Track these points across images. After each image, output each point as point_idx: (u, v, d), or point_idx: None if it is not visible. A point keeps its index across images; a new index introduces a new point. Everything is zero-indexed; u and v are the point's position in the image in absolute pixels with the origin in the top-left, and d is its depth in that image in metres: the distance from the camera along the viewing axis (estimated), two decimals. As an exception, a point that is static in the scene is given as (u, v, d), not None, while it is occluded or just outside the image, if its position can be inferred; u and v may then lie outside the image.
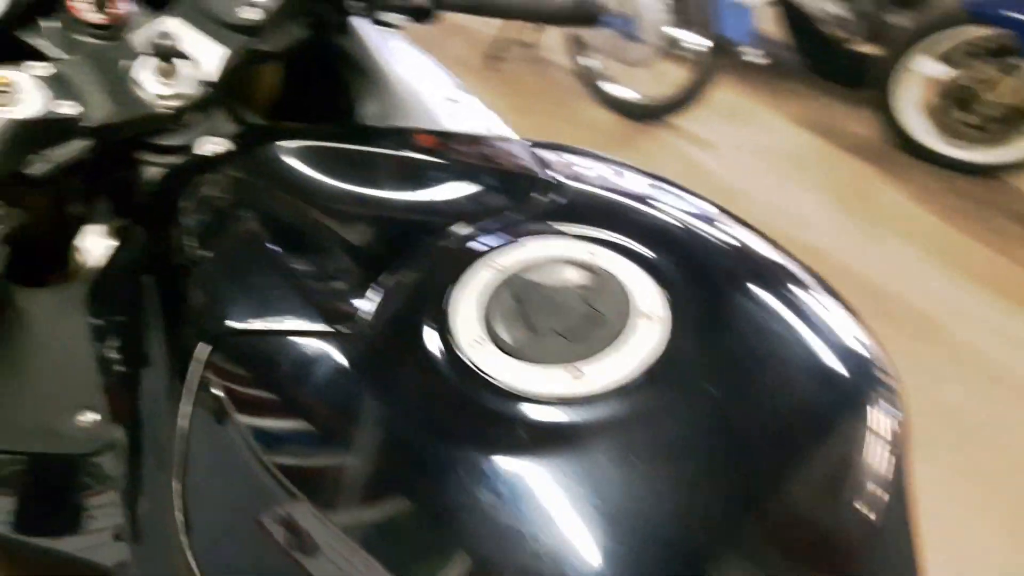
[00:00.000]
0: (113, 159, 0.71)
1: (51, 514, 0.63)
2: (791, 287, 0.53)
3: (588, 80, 3.50)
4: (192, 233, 0.61)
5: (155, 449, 0.55)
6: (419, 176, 0.64)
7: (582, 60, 3.48)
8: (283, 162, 0.65)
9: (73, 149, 0.63)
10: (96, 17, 0.66)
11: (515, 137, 0.89)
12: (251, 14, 0.70)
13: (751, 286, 0.52)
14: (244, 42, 0.70)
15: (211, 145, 0.69)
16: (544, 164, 0.63)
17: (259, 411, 0.49)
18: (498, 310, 0.49)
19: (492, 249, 0.53)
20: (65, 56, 0.66)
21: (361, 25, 0.86)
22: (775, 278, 0.54)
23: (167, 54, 0.65)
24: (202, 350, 0.51)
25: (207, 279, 0.56)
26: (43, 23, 0.68)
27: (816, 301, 0.53)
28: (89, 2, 0.66)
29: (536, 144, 0.69)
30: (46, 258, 0.78)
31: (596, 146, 0.69)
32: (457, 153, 0.68)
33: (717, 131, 3.38)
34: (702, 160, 3.24)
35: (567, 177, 0.61)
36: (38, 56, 0.66)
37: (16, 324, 0.64)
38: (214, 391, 0.50)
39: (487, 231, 0.55)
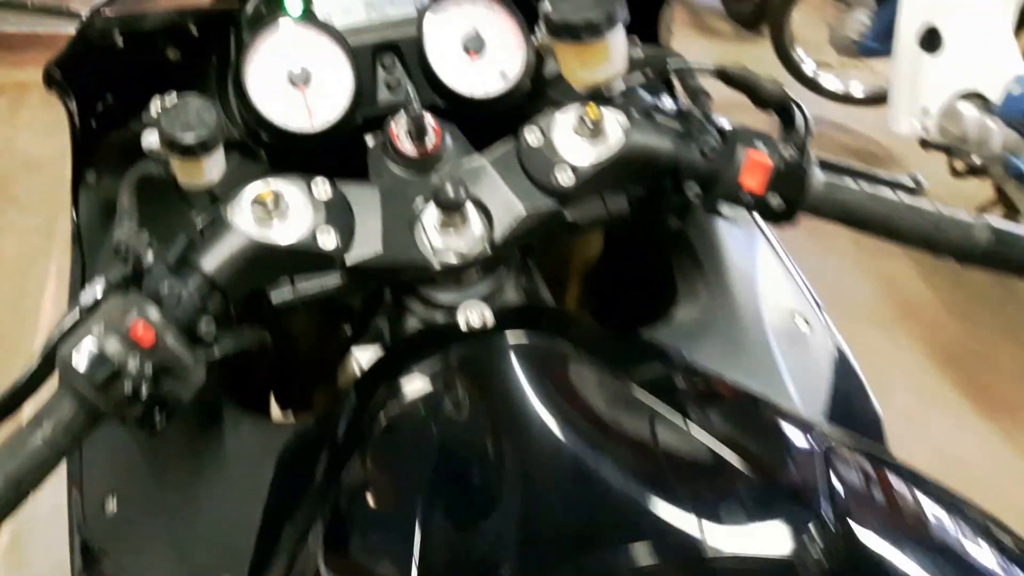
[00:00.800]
0: (381, 296, 0.66)
1: None
2: None
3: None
4: (385, 423, 0.51)
5: None
6: (656, 448, 0.46)
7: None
8: (513, 372, 0.52)
9: (323, 283, 0.58)
10: (408, 148, 0.62)
11: (868, 393, 0.67)
12: (564, 179, 0.60)
13: None
14: (547, 206, 0.60)
15: (472, 315, 0.59)
16: (831, 482, 0.41)
17: None
18: None
19: None
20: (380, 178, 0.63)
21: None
22: None
23: (458, 204, 0.57)
24: None
25: (347, 496, 0.46)
26: (368, 138, 0.65)
27: None
28: (407, 131, 0.62)
29: (846, 447, 0.47)
30: (311, 379, 0.75)
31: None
32: (725, 428, 0.47)
33: None
34: None
35: (854, 513, 0.39)
36: (350, 172, 0.62)
37: (216, 451, 0.59)
38: None
39: (670, 569, 0.37)
